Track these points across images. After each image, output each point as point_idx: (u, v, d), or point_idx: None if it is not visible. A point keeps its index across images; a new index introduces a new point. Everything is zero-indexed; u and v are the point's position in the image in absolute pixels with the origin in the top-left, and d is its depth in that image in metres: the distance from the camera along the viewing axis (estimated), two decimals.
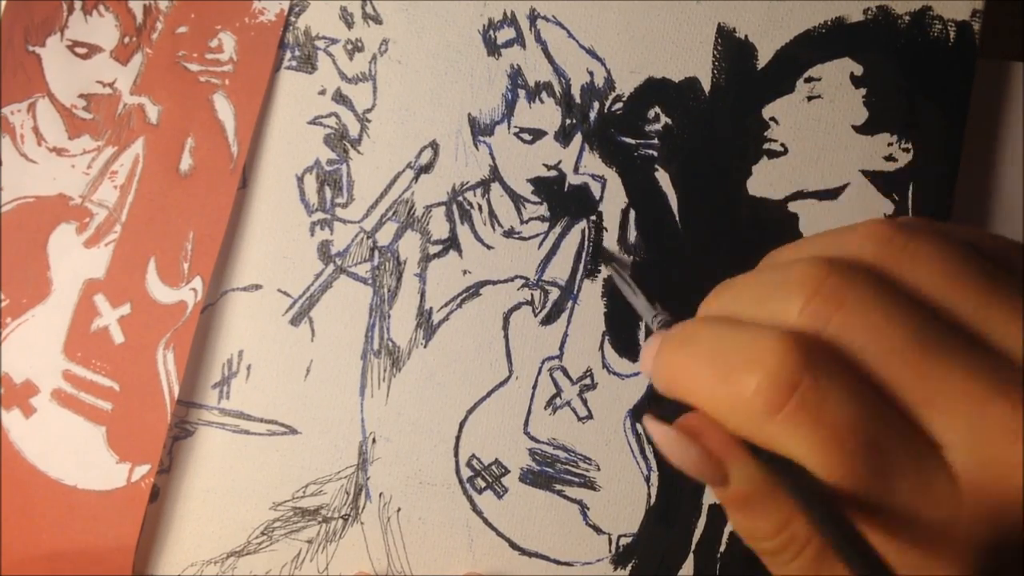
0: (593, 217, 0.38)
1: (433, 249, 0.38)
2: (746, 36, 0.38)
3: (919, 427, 0.19)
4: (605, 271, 0.38)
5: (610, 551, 0.38)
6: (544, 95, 0.38)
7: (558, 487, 0.38)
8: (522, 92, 0.38)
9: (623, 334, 0.38)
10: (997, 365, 0.19)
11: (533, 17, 0.38)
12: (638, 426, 0.38)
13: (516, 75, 0.38)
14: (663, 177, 0.38)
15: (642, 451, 0.38)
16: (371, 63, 0.39)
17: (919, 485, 0.19)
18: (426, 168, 0.38)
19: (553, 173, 0.38)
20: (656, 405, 0.38)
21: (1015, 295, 0.20)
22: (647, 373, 0.25)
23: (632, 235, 0.38)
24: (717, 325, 0.22)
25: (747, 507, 0.22)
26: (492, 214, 0.38)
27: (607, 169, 0.38)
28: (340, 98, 0.38)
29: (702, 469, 0.22)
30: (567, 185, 0.38)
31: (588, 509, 0.38)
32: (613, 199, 0.38)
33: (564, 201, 0.38)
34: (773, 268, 0.23)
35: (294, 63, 0.38)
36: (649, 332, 0.38)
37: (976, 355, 0.19)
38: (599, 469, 0.38)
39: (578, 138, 0.38)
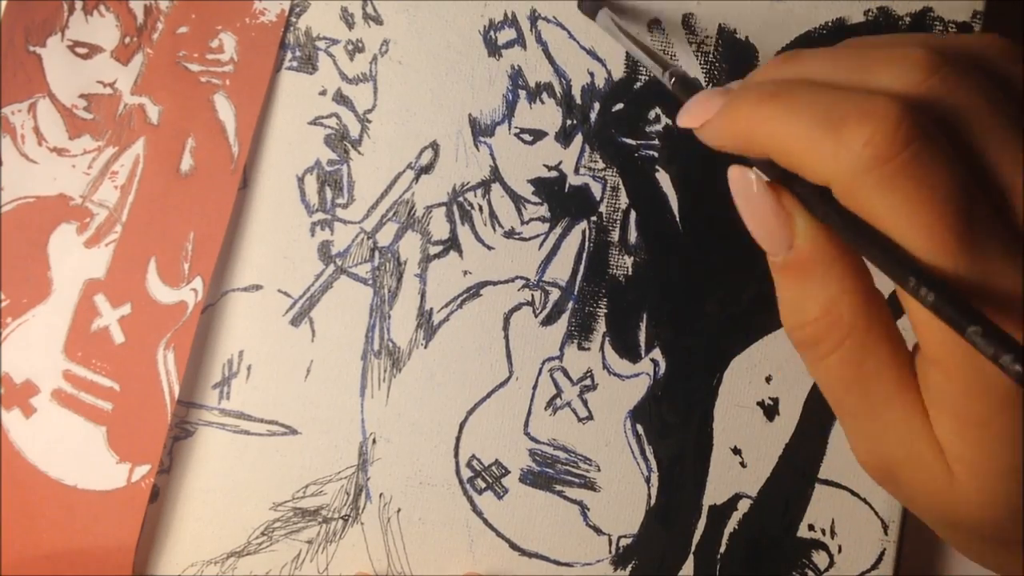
0: (594, 218, 0.38)
1: (433, 250, 0.38)
2: (747, 37, 0.38)
3: (1012, 217, 0.19)
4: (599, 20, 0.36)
5: (610, 552, 0.38)
6: (545, 96, 0.38)
7: (558, 488, 0.38)
8: (523, 93, 0.38)
9: (623, 335, 0.38)
10: None
11: (534, 18, 0.38)
12: (638, 427, 0.38)
13: (517, 76, 0.38)
14: (664, 178, 0.38)
15: (642, 452, 0.38)
16: (372, 64, 0.39)
17: (1005, 269, 0.19)
18: (426, 169, 0.39)
19: (554, 174, 0.38)
20: (658, 404, 0.38)
21: None
22: (689, 122, 0.25)
23: (632, 236, 0.38)
24: (814, 85, 0.22)
25: (802, 276, 0.22)
26: (493, 215, 0.38)
27: (608, 170, 0.38)
28: (341, 98, 0.39)
29: (772, 222, 0.22)
30: (567, 186, 0.38)
31: (588, 510, 0.38)
32: (613, 200, 0.38)
33: (565, 202, 0.38)
34: (873, 46, 0.22)
35: (295, 63, 0.38)
36: (651, 318, 0.38)
37: None
38: (599, 470, 0.38)
39: (579, 139, 0.38)
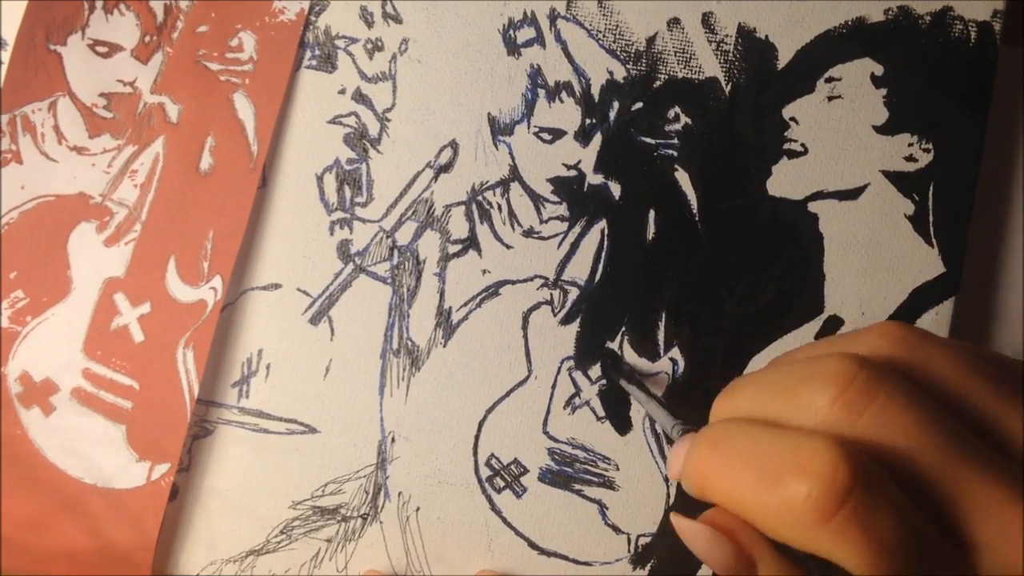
0: (613, 217, 0.38)
1: (452, 248, 0.38)
2: (767, 36, 0.38)
3: (952, 528, 0.20)
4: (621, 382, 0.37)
5: (629, 551, 0.38)
6: (564, 95, 0.38)
7: (577, 487, 0.38)
8: (542, 92, 0.38)
9: (642, 334, 0.38)
10: (1016, 470, 0.20)
11: (553, 17, 0.38)
12: (657, 426, 0.38)
13: (536, 75, 0.38)
14: (683, 177, 0.38)
15: (661, 451, 0.38)
16: (391, 62, 0.39)
17: None
18: (446, 167, 0.38)
19: (573, 173, 0.38)
20: (677, 402, 0.38)
21: (1019, 397, 0.20)
22: (675, 477, 0.25)
23: (651, 234, 0.38)
24: (749, 427, 0.22)
25: None
26: (512, 214, 0.38)
27: (627, 169, 0.38)
28: (360, 97, 0.39)
29: (733, 568, 0.22)
30: (586, 185, 0.38)
31: (607, 509, 0.38)
32: (633, 199, 0.38)
33: (583, 201, 0.38)
34: (796, 363, 0.23)
35: (314, 62, 0.38)
36: (669, 317, 0.38)
37: (999, 461, 0.20)
38: (618, 469, 0.38)
39: (598, 138, 0.38)
